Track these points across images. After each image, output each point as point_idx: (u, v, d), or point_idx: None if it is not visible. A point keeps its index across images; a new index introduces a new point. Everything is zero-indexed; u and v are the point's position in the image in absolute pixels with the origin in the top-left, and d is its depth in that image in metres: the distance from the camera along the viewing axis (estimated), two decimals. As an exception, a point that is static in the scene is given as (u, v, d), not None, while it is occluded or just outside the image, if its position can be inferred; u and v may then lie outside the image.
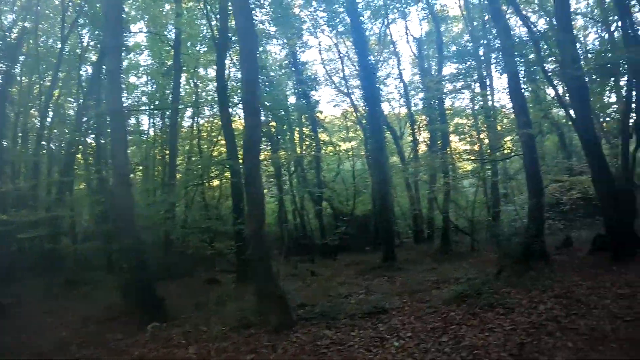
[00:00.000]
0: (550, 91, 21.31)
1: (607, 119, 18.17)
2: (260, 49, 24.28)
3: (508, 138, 19.36)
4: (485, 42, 19.52)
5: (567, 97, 14.40)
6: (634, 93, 14.21)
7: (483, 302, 9.15)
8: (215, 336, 9.30)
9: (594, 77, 16.46)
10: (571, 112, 13.65)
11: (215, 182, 26.86)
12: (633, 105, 14.38)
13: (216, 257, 20.92)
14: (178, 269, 18.73)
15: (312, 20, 26.13)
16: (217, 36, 18.97)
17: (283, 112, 25.09)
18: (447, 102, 25.47)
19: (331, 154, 29.92)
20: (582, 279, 10.43)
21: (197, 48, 25.13)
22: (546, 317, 7.98)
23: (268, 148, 27.39)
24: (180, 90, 24.82)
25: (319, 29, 26.84)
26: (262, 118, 24.62)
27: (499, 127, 20.47)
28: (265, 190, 29.30)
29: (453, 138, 24.92)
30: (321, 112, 29.42)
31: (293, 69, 27.44)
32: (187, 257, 19.52)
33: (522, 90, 16.21)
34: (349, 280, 15.27)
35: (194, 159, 26.74)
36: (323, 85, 29.60)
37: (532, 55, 15.67)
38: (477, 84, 23.43)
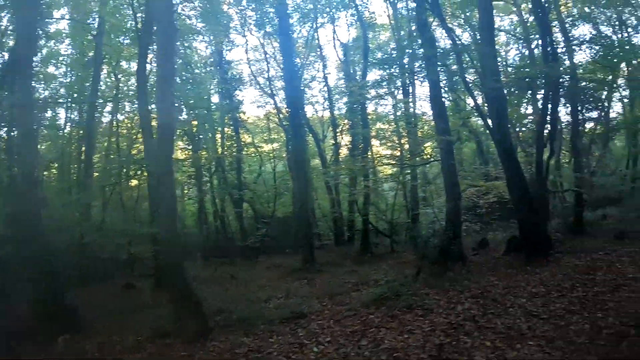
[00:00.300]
0: (469, 101, 22.15)
1: (523, 128, 19.10)
2: (186, 44, 23.51)
3: (428, 144, 19.91)
4: (410, 51, 19.93)
5: (486, 107, 14.93)
6: (549, 105, 15.04)
7: (402, 304, 9.23)
8: (130, 347, 8.88)
9: (512, 89, 17.26)
10: (489, 121, 14.14)
11: (134, 182, 25.70)
12: (548, 117, 15.22)
13: (135, 262, 20.01)
14: (94, 274, 17.73)
15: (240, 19, 25.61)
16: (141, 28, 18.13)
17: (205, 111, 24.43)
18: (370, 108, 25.79)
19: (253, 155, 29.45)
20: (498, 279, 10.80)
21: (121, 40, 23.87)
22: (464, 317, 8.14)
23: (189, 147, 26.64)
24: (101, 83, 23.62)
25: (247, 28, 26.35)
26: (185, 116, 23.97)
27: (419, 134, 20.97)
28: (185, 191, 28.58)
29: (374, 142, 25.35)
30: (244, 113, 28.99)
31: (218, 68, 26.74)
32: (104, 261, 18.52)
33: (443, 99, 16.73)
34: (269, 284, 15.04)
35: (112, 157, 25.40)
36: (247, 85, 28.98)
37: (454, 66, 16.12)
38: (400, 91, 23.95)
